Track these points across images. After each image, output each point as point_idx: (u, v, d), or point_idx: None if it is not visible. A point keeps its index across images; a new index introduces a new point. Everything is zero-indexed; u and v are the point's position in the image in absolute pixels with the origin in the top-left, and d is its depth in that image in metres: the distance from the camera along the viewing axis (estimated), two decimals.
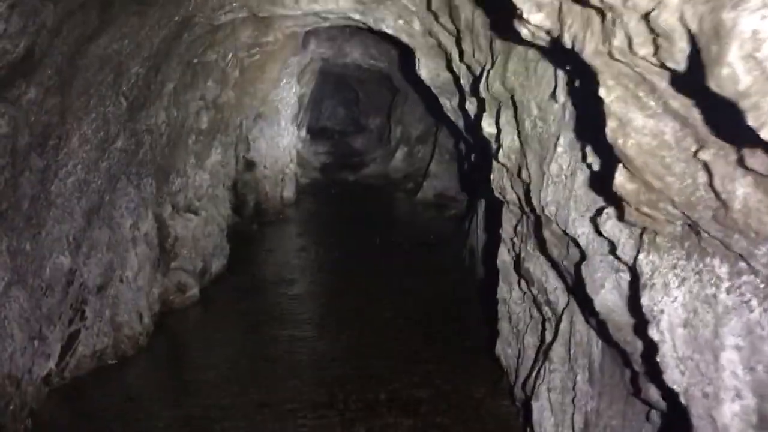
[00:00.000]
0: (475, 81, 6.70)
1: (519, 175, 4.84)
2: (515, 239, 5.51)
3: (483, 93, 5.61)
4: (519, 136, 4.86)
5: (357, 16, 8.87)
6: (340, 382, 6.96)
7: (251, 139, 15.57)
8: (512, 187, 5.20)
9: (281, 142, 17.27)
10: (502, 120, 5.17)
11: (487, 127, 5.64)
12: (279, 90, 16.43)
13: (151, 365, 7.86)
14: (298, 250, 12.59)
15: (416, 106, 20.76)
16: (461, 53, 6.46)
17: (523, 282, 5.57)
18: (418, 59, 8.97)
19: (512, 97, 4.88)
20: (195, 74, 10.19)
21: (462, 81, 7.12)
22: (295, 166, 18.52)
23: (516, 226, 5.49)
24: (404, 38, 8.85)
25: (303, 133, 26.41)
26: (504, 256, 6.07)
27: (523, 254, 5.25)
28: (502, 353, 6.17)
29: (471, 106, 7.10)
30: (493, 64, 5.30)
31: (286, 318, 9.00)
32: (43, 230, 6.57)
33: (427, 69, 8.83)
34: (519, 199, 5.16)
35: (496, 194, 5.66)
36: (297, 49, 14.10)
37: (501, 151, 5.13)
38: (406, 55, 16.81)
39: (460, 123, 8.88)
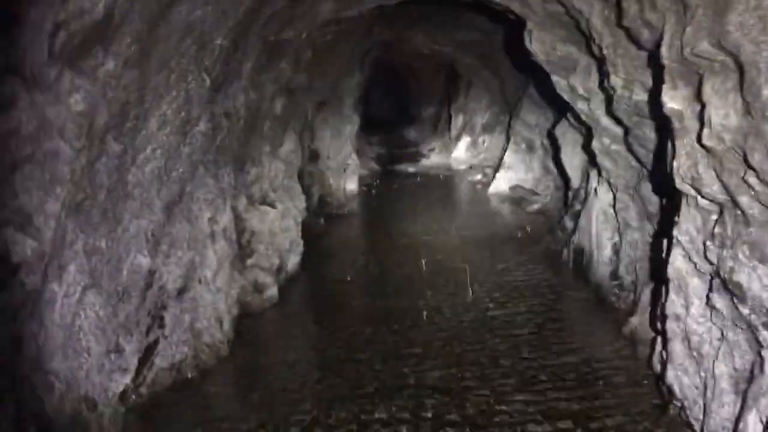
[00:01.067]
0: (637, 48, 5.53)
1: (746, 160, 3.67)
2: (709, 243, 4.34)
3: (666, 59, 4.45)
4: (743, 110, 3.70)
5: None
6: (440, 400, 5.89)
7: (315, 128, 14.58)
8: (718, 177, 4.03)
9: (344, 131, 16.27)
10: (706, 91, 4.01)
11: (671, 101, 4.47)
12: (343, 76, 15.39)
13: (234, 378, 6.89)
14: (368, 249, 11.51)
15: (482, 93, 19.56)
16: (621, 13, 5.29)
17: (714, 295, 4.40)
18: (530, 32, 7.80)
19: (735, 61, 3.71)
20: (271, 54, 9.18)
21: (606, 51, 5.94)
22: (357, 156, 17.51)
23: (713, 226, 4.32)
24: (516, 6, 7.70)
25: (358, 120, 25.38)
26: (678, 263, 4.90)
27: (729, 264, 4.08)
28: (675, 382, 5.01)
29: (617, 80, 5.93)
30: (683, 20, 4.14)
31: (371, 318, 7.97)
32: (120, 226, 5.59)
33: (541, 42, 7.66)
34: (728, 192, 3.99)
35: (680, 185, 4.50)
36: (369, 29, 13.02)
37: (705, 130, 3.97)
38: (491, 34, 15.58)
39: (580, 104, 7.70)
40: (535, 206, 13.20)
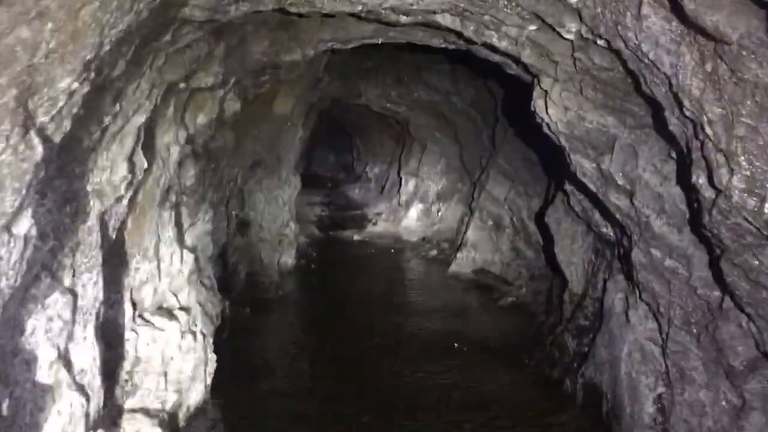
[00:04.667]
0: None
1: None
2: None
3: None
4: None
5: (448, 21, 5.28)
6: None
7: (246, 193, 11.83)
8: None
9: (281, 196, 13.57)
10: None
11: None
12: (283, 132, 12.79)
13: None
14: (300, 357, 8.59)
15: (437, 157, 17.29)
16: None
17: None
18: (544, 93, 5.40)
19: None
20: (178, 105, 6.50)
21: (711, 129, 3.50)
22: (295, 224, 14.80)
23: None
24: (526, 57, 5.28)
25: (298, 181, 22.73)
26: None
27: None
28: None
29: (733, 180, 3.47)
30: None
31: None
32: None
33: (563, 109, 5.26)
34: None
35: None
36: (316, 79, 10.52)
37: None
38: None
39: (615, 197, 5.27)
40: (509, 299, 10.69)
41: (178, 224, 6.79)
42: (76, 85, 3.66)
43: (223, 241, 10.64)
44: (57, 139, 3.80)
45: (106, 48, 3.88)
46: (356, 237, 17.76)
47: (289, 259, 13.47)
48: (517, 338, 8.91)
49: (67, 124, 3.83)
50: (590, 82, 4.96)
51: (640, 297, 5.56)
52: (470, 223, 13.06)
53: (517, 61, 5.62)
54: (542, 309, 9.69)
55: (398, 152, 20.98)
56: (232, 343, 8.61)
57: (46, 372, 4.31)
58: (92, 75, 3.83)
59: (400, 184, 19.73)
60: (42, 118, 3.58)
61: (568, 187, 7.39)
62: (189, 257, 6.97)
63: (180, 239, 6.77)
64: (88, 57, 3.67)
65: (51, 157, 3.78)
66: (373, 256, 15.52)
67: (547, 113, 5.48)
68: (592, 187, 5.61)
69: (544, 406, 6.95)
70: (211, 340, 7.19)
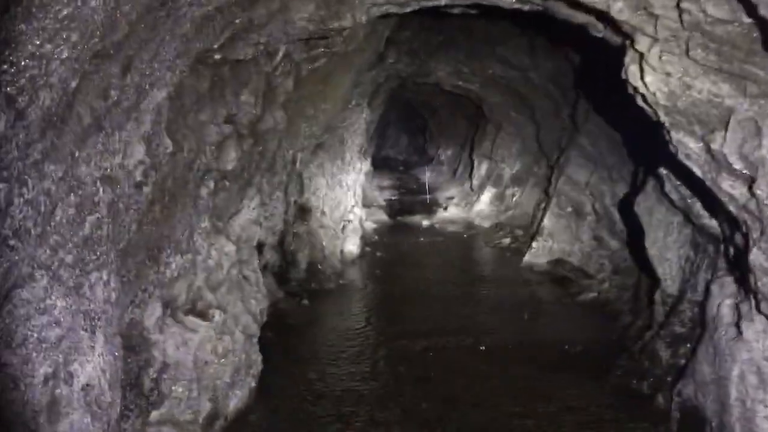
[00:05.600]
0: None
1: None
2: None
3: None
4: None
5: None
6: None
7: (306, 177, 11.15)
8: None
9: (345, 181, 12.85)
10: None
11: None
12: (347, 113, 12.03)
13: None
14: (359, 358, 7.81)
15: (512, 138, 16.13)
16: None
17: None
18: (642, 56, 4.34)
19: None
20: (216, 80, 5.80)
21: None
22: (360, 210, 14.06)
23: None
24: (617, 12, 4.23)
25: (367, 164, 22.02)
26: None
27: None
28: None
29: None
30: None
31: None
32: None
33: (664, 75, 4.19)
34: None
35: None
36: (376, 53, 9.64)
37: None
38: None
39: (729, 184, 4.18)
40: (590, 295, 9.57)
41: (217, 213, 6.12)
42: (48, 47, 2.95)
43: (280, 228, 10.02)
44: (33, 115, 3.12)
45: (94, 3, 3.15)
46: (425, 222, 16.89)
47: (352, 246, 12.77)
48: (599, 341, 7.82)
49: (45, 98, 3.14)
50: (700, 40, 3.89)
51: (758, 308, 4.45)
52: (547, 209, 11.93)
53: (605, 18, 4.57)
54: (628, 308, 8.55)
55: (471, 133, 19.90)
56: (285, 339, 7.99)
57: (39, 389, 3.69)
58: (74, 37, 3.12)
59: (472, 167, 18.66)
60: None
61: (662, 171, 6.26)
62: (230, 248, 6.30)
63: (219, 229, 6.10)
64: (65, 12, 2.95)
65: (26, 136, 3.11)
66: (443, 243, 14.59)
67: (642, 81, 4.43)
68: (697, 171, 4.51)
69: (631, 426, 5.91)
70: (255, 340, 6.53)
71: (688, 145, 4.47)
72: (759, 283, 4.18)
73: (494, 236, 14.41)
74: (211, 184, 5.97)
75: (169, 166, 5.10)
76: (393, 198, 20.79)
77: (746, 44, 3.71)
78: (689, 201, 5.82)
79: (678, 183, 5.98)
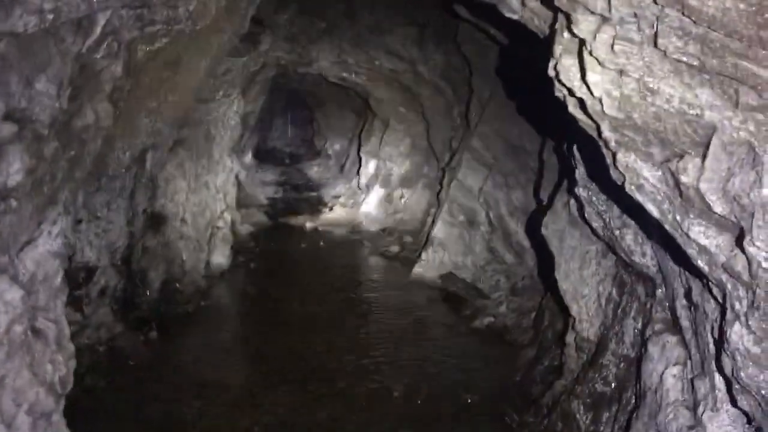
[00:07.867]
0: None
1: None
2: None
3: None
4: None
5: None
6: None
7: (162, 180, 9.18)
8: None
9: (213, 182, 10.96)
10: None
11: None
12: (212, 105, 10.13)
13: None
14: (204, 414, 6.08)
15: (401, 137, 14.75)
16: None
17: None
18: (584, 44, 2.93)
19: None
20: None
21: None
22: (233, 213, 12.20)
23: None
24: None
25: (247, 158, 20.01)
26: None
27: None
28: None
29: None
30: None
31: None
32: None
33: (615, 73, 2.80)
34: None
35: None
36: (237, 35, 7.81)
37: None
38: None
39: (697, 232, 2.85)
40: (485, 320, 8.29)
41: None
42: None
43: (123, 243, 8.05)
44: None
45: None
46: (309, 224, 15.19)
47: (221, 258, 10.89)
48: (500, 387, 6.51)
49: None
50: (677, 22, 2.52)
51: (731, 400, 3.18)
52: (438, 217, 10.62)
53: None
54: (529, 338, 7.33)
55: (359, 128, 18.39)
56: (116, 391, 6.12)
57: None
58: None
59: (360, 165, 17.16)
60: None
61: (581, 192, 4.97)
62: (14, 295, 4.37)
63: None
64: None
65: None
66: (327, 251, 12.96)
67: (583, 81, 3.04)
68: (652, 209, 3.17)
69: None
70: (55, 418, 4.65)
71: (641, 174, 3.13)
72: (742, 373, 2.89)
73: (382, 243, 12.97)
74: None
75: None
76: (276, 196, 18.91)
77: (751, 29, 2.37)
78: (618, 232, 4.54)
79: (603, 209, 4.69)
